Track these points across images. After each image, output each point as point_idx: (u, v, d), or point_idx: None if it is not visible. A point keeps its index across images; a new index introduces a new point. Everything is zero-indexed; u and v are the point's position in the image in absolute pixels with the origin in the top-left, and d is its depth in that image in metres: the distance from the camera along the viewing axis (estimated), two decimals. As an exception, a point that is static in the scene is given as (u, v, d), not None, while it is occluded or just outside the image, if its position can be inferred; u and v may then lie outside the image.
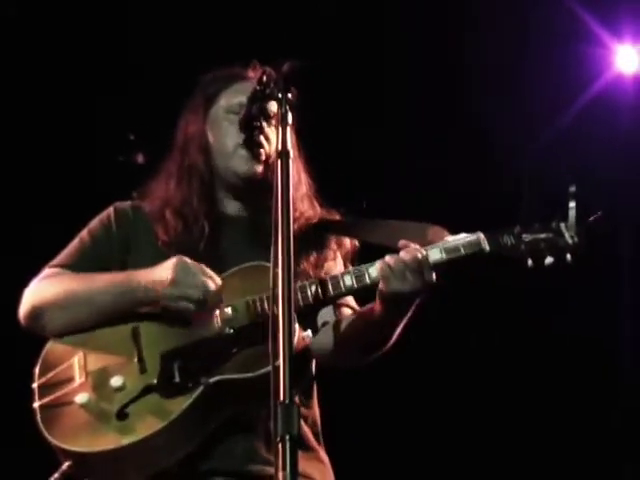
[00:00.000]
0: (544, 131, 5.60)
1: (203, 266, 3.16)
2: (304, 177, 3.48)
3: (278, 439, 2.42)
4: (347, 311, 3.33)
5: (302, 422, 3.19)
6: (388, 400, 5.68)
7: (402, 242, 3.09)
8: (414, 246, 3.07)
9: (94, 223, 3.44)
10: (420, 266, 3.02)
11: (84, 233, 3.43)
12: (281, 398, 2.45)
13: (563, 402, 5.80)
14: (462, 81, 5.59)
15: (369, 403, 5.66)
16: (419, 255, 3.03)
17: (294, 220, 3.24)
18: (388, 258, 3.04)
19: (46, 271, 3.38)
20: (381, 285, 3.05)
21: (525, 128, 5.59)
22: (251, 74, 3.42)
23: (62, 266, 3.37)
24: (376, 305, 3.12)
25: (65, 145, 5.48)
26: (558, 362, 5.79)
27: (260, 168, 3.31)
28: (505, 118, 5.50)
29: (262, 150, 3.29)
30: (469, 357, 5.79)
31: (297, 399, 3.15)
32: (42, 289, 3.32)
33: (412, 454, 5.72)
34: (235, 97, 3.39)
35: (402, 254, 3.04)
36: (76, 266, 3.35)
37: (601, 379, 5.76)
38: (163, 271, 3.15)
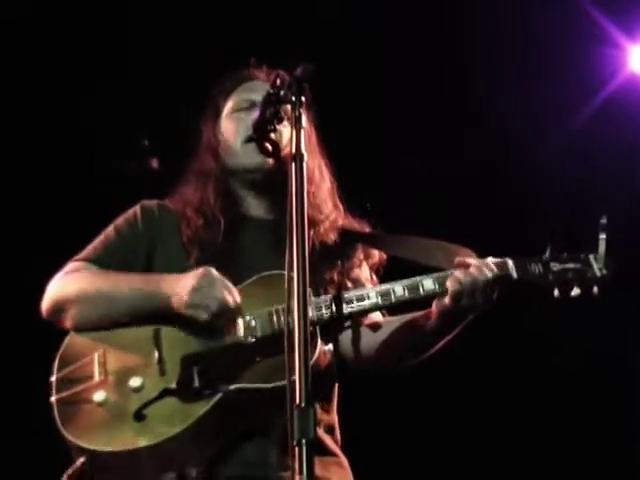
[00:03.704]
0: (558, 132, 5.58)
1: (226, 280, 3.16)
2: (327, 174, 3.50)
3: (295, 443, 2.43)
4: (376, 315, 3.35)
5: (321, 427, 3.23)
6: (409, 406, 5.68)
7: (459, 260, 3.14)
8: (479, 262, 3.12)
9: (120, 219, 3.46)
10: (487, 283, 3.08)
11: (110, 229, 3.44)
12: (297, 402, 2.45)
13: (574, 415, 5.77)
14: (475, 82, 5.57)
15: (391, 410, 5.66)
16: (488, 273, 3.08)
17: (319, 222, 3.31)
18: (459, 274, 3.09)
19: (70, 265, 3.39)
20: (448, 300, 3.10)
21: (539, 129, 5.59)
22: (256, 73, 3.51)
23: (87, 260, 3.38)
24: (431, 315, 3.16)
25: (68, 150, 5.50)
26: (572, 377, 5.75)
27: (269, 159, 3.31)
28: (518, 119, 5.50)
29: (269, 145, 3.27)
30: (485, 371, 5.76)
31: (318, 406, 3.19)
32: (65, 284, 3.33)
33: (432, 461, 5.71)
34: (241, 96, 3.47)
35: (473, 271, 3.08)
36: (101, 261, 3.36)
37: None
38: (187, 279, 3.16)
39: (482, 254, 3.22)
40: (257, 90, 3.41)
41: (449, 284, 3.10)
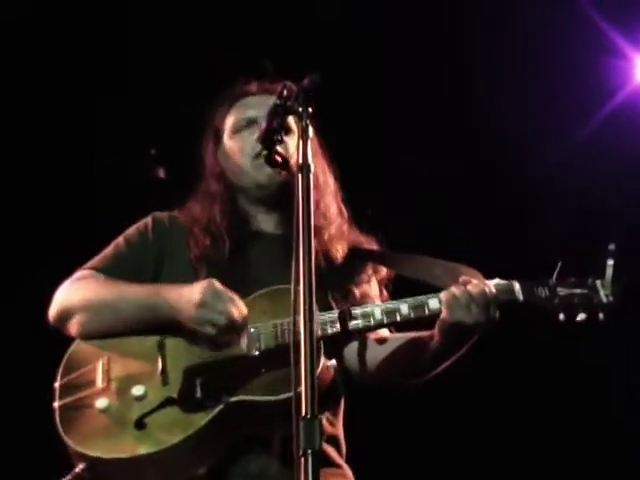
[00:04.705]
0: (564, 142, 5.57)
1: (232, 293, 3.16)
2: (330, 178, 3.51)
3: (300, 453, 2.42)
4: (383, 330, 3.36)
5: (326, 439, 3.24)
6: (414, 418, 5.68)
7: (463, 278, 3.13)
8: (481, 280, 3.11)
9: (131, 230, 3.47)
10: (486, 301, 3.06)
11: (120, 239, 3.46)
12: (303, 413, 2.44)
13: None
14: (482, 94, 5.57)
15: (396, 422, 5.65)
16: (487, 290, 3.08)
17: (323, 228, 3.29)
18: (454, 289, 3.09)
19: (79, 273, 3.40)
20: (444, 314, 3.09)
21: (546, 140, 5.57)
22: (247, 88, 3.52)
23: (96, 269, 3.39)
24: (434, 334, 3.16)
25: (74, 157, 5.50)
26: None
27: (280, 172, 3.28)
28: (525, 130, 5.49)
29: (279, 157, 3.21)
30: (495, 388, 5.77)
31: (325, 419, 3.23)
32: (73, 291, 3.34)
33: (436, 474, 5.72)
34: (238, 115, 3.48)
35: (470, 287, 3.08)
36: (109, 270, 3.37)
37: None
38: (192, 292, 3.15)
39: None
40: (252, 106, 3.45)
41: (442, 295, 3.11)
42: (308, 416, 2.43)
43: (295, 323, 2.57)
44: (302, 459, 2.41)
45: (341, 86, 5.20)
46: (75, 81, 5.40)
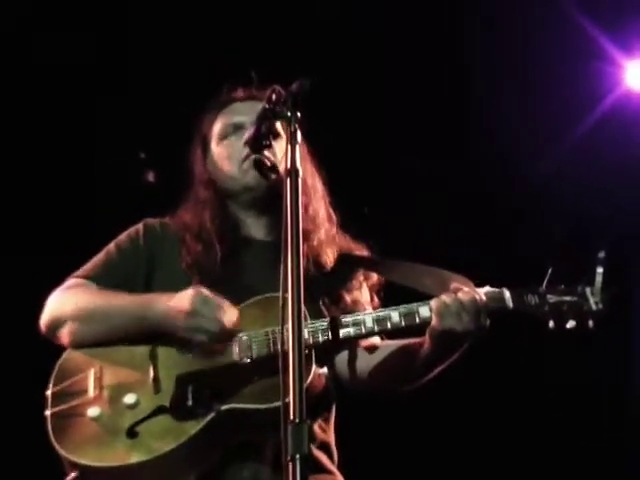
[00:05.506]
0: (554, 148, 5.57)
1: (221, 299, 3.15)
2: (319, 183, 3.50)
3: (288, 458, 2.41)
4: (374, 337, 3.35)
5: (318, 446, 3.24)
6: (407, 424, 5.70)
7: (454, 285, 3.12)
8: (472, 289, 3.11)
9: (122, 237, 3.46)
10: (477, 309, 3.06)
11: (111, 246, 3.44)
12: (291, 417, 2.44)
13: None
14: (473, 98, 5.56)
15: (388, 428, 5.67)
16: (477, 298, 3.07)
17: (312, 233, 3.29)
18: (445, 296, 3.08)
19: (70, 281, 3.39)
20: (434, 322, 3.09)
21: (535, 145, 5.57)
22: (233, 95, 3.52)
23: (86, 277, 3.38)
24: (425, 341, 3.16)
25: (67, 161, 5.51)
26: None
27: (269, 176, 3.29)
28: (515, 135, 5.49)
29: (267, 162, 3.26)
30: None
31: (317, 425, 3.23)
32: (64, 300, 3.33)
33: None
34: (225, 121, 3.47)
35: (460, 295, 3.08)
36: (100, 278, 3.36)
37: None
38: (181, 301, 3.14)
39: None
40: (239, 112, 3.44)
41: (433, 303, 3.10)
42: (296, 421, 2.43)
43: (284, 329, 2.57)
44: (290, 464, 2.41)
45: (341, 86, 5.21)
46: (75, 82, 5.40)
